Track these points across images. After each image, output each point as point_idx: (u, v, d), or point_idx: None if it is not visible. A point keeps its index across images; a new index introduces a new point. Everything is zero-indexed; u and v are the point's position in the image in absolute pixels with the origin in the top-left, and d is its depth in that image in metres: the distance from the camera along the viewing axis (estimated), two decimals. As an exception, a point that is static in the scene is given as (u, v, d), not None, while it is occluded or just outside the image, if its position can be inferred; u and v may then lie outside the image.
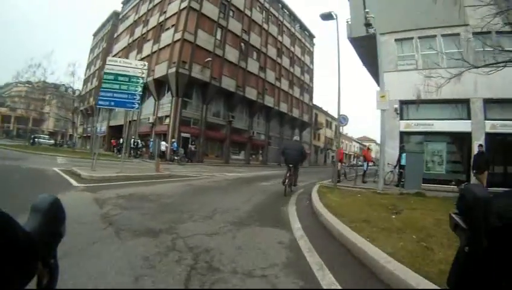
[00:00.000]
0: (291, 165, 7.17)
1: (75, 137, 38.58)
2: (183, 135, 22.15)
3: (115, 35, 35.71)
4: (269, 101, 32.18)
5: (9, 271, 0.36)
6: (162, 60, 23.79)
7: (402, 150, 10.52)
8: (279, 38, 35.16)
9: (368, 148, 13.71)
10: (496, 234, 0.44)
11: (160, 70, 23.55)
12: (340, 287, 2.07)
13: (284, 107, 35.38)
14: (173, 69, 21.83)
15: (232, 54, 26.54)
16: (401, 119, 12.10)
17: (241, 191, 7.27)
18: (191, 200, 5.34)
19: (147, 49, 26.84)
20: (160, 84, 24.15)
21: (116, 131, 29.30)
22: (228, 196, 6.36)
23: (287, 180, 6.99)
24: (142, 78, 8.93)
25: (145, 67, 9.16)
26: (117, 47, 34.39)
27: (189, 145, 22.12)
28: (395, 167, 10.57)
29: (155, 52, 25.39)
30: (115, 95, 8.62)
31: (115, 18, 38.38)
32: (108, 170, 8.76)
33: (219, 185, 8.36)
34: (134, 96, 8.73)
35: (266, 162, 32.49)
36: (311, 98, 44.65)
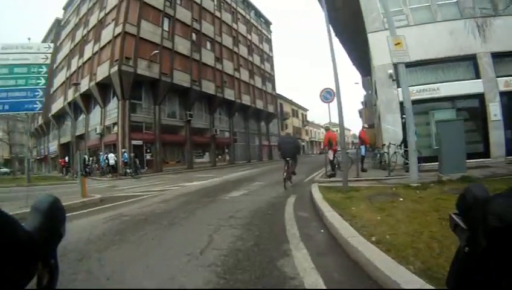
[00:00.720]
0: (288, 159, 7.83)
1: (30, 161, 33.99)
2: (134, 142, 19.71)
3: (58, 44, 31.25)
4: (230, 94, 30.49)
5: (9, 271, 0.37)
6: (104, 60, 20.97)
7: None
8: (234, 26, 33.47)
9: (364, 128, 12.40)
10: (495, 234, 0.44)
11: (102, 72, 20.76)
12: None
13: (246, 100, 33.91)
14: (115, 68, 19.19)
15: (183, 46, 24.30)
16: (399, 86, 9.76)
17: (193, 223, 4.53)
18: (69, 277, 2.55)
19: (88, 51, 23.77)
20: (105, 89, 21.27)
21: (66, 149, 26.26)
22: (166, 241, 3.60)
23: (285, 174, 7.68)
24: (46, 65, 6.81)
25: (50, 50, 7.04)
26: (60, 56, 30.45)
27: (145, 154, 19.86)
28: (399, 146, 8.98)
29: (96, 53, 22.45)
30: (9, 94, 6.48)
31: (57, 26, 33.79)
32: (14, 202, 6.56)
33: (165, 209, 5.83)
34: (36, 93, 6.58)
35: (234, 161, 30.95)
36: (274, 88, 43.77)
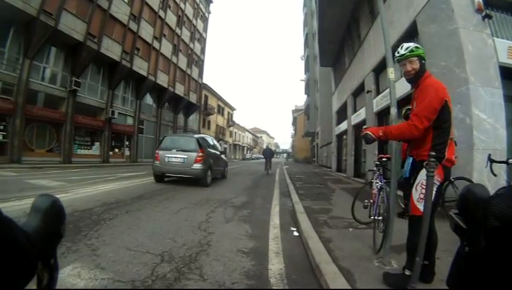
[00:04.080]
0: (268, 159, 17.83)
1: None
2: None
3: None
4: (142, 66, 25.81)
5: (9, 271, 0.40)
6: None
7: None
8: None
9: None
10: (494, 234, 0.48)
11: None
12: None
13: (163, 79, 29.63)
14: None
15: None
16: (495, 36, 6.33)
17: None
18: None
19: None
20: None
21: None
22: None
23: (267, 168, 17.36)
24: None
25: None
26: None
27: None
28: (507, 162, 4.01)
29: None
30: None
31: None
32: None
33: None
34: None
35: (136, 158, 26.05)
36: (201, 75, 40.51)
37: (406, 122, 2.45)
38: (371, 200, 4.18)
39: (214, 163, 10.56)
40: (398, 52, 2.53)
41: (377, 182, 4.09)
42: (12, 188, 7.43)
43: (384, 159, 4.13)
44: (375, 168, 4.53)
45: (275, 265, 3.09)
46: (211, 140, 12.31)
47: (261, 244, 3.79)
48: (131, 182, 9.93)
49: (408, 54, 2.45)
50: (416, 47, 2.46)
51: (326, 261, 3.01)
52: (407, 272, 2.39)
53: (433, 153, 2.09)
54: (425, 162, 2.11)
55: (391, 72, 3.13)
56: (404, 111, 3.14)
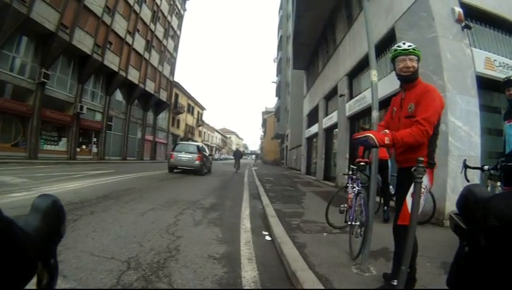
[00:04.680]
0: (237, 159, 21.54)
1: None
2: None
3: None
4: (113, 61, 25.26)
5: (9, 271, 0.40)
6: None
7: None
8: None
9: (362, 128, 7.04)
10: (494, 233, 0.49)
11: None
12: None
13: (134, 75, 29.13)
14: None
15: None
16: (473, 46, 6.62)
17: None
18: None
19: None
20: None
21: None
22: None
23: (237, 167, 21.16)
24: None
25: None
26: None
27: None
28: (492, 169, 3.61)
29: None
30: None
31: None
32: None
33: None
34: None
35: (103, 155, 25.42)
36: (172, 72, 40.09)
37: (414, 127, 2.21)
38: (346, 205, 4.18)
39: (206, 161, 16.91)
40: (399, 46, 2.46)
41: (353, 187, 4.09)
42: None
43: (362, 163, 4.06)
44: (350, 172, 4.51)
45: (249, 272, 2.96)
46: (204, 147, 19.31)
47: (232, 249, 3.65)
48: (97, 180, 9.78)
49: (411, 50, 2.40)
50: (417, 48, 2.45)
51: (302, 268, 2.91)
52: (394, 282, 2.27)
53: (421, 159, 2.00)
54: (414, 168, 2.01)
55: (374, 75, 3.21)
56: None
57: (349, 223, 3.65)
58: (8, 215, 0.42)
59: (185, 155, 15.59)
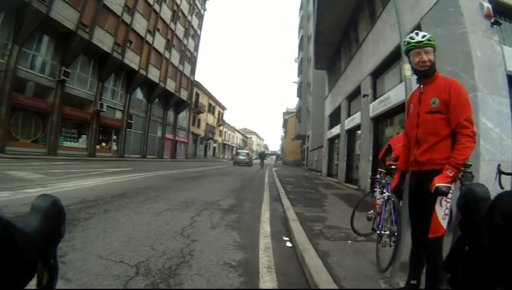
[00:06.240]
0: (262, 159, 29.85)
1: None
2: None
3: None
4: (133, 59, 25.42)
5: (9, 272, 0.41)
6: None
7: None
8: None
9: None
10: (499, 233, 0.49)
11: None
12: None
13: (154, 74, 29.27)
14: None
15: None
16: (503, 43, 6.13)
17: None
18: None
19: None
20: None
21: None
22: None
23: (261, 164, 28.63)
24: None
25: None
26: None
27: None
28: None
29: None
30: None
31: None
32: None
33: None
34: None
35: (123, 153, 25.61)
36: (193, 72, 40.20)
37: (461, 136, 1.98)
38: (374, 211, 3.81)
39: (249, 160, 31.97)
40: (412, 39, 2.20)
41: (383, 192, 3.66)
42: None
43: (393, 167, 3.45)
44: (378, 176, 4.10)
45: (267, 283, 2.73)
46: (249, 153, 36.74)
47: (250, 256, 3.37)
48: (115, 178, 9.54)
49: (426, 41, 2.15)
50: (432, 37, 2.17)
51: (326, 280, 2.66)
52: (413, 281, 2.31)
53: (469, 163, 1.87)
54: (461, 174, 1.88)
55: (407, 69, 2.94)
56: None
57: (378, 231, 3.28)
58: (7, 216, 0.42)
59: (241, 157, 32.10)
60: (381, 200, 3.59)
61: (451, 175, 1.93)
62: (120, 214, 4.73)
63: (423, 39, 2.15)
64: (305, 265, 3.08)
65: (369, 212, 3.88)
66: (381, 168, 4.16)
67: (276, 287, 2.66)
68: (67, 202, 5.08)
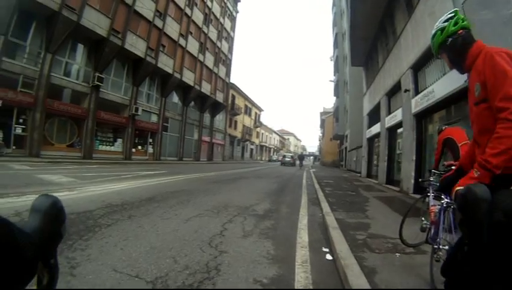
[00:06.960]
0: (301, 160, 34.26)
1: None
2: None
3: None
4: (167, 63, 25.64)
5: (9, 272, 0.41)
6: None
7: None
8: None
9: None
10: (500, 229, 0.50)
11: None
12: None
13: (189, 77, 29.36)
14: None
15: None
16: None
17: None
18: None
19: None
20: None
21: None
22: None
23: (301, 165, 33.36)
24: None
25: None
26: None
27: (14, 125, 14.00)
28: None
29: None
30: None
31: None
32: None
33: None
34: None
35: (159, 156, 25.89)
36: (228, 74, 40.09)
37: (499, 121, 1.42)
38: (429, 221, 3.20)
39: (293, 161, 38.90)
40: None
41: (442, 198, 3.03)
42: (18, 182, 7.00)
43: (453, 167, 2.85)
44: (431, 179, 3.59)
45: None
46: (293, 154, 51.80)
47: (285, 271, 2.90)
48: (146, 181, 9.24)
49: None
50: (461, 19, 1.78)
51: None
52: None
53: None
54: None
55: None
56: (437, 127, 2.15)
57: (435, 246, 2.68)
58: (6, 217, 0.41)
59: (287, 159, 39.35)
60: (438, 207, 3.01)
61: (476, 176, 1.44)
62: (145, 220, 4.38)
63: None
64: (348, 285, 2.60)
65: (423, 222, 3.31)
66: (435, 169, 3.68)
67: None
68: (92, 206, 4.86)
